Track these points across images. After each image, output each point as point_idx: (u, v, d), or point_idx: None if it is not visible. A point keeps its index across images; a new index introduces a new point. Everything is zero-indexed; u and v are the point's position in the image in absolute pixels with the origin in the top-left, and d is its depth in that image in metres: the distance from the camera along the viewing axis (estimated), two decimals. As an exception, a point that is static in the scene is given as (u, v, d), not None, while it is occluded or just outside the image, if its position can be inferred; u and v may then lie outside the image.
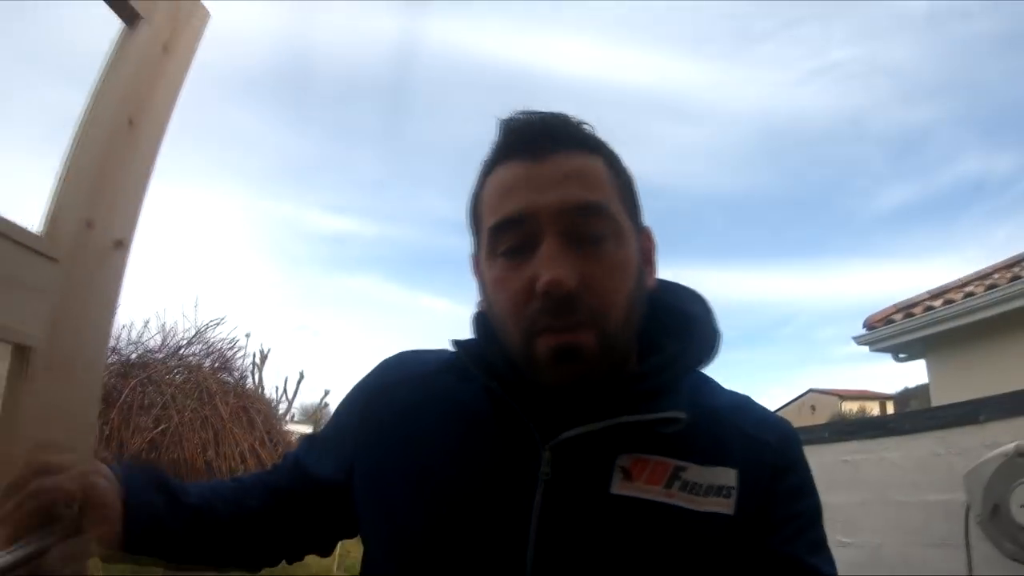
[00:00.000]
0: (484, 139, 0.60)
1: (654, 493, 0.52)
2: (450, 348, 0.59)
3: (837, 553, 0.54)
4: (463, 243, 0.62)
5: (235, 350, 7.21)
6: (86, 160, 0.79)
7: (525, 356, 0.53)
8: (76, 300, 0.79)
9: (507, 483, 0.53)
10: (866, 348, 6.08)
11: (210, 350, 6.97)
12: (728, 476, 0.53)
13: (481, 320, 0.60)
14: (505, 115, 0.58)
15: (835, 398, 22.04)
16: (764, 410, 0.60)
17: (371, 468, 0.59)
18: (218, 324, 7.08)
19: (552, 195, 0.52)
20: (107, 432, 5.04)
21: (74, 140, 0.80)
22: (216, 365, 6.89)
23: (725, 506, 0.52)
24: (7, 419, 0.70)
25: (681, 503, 0.51)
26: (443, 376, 0.61)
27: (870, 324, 5.93)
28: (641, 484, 0.52)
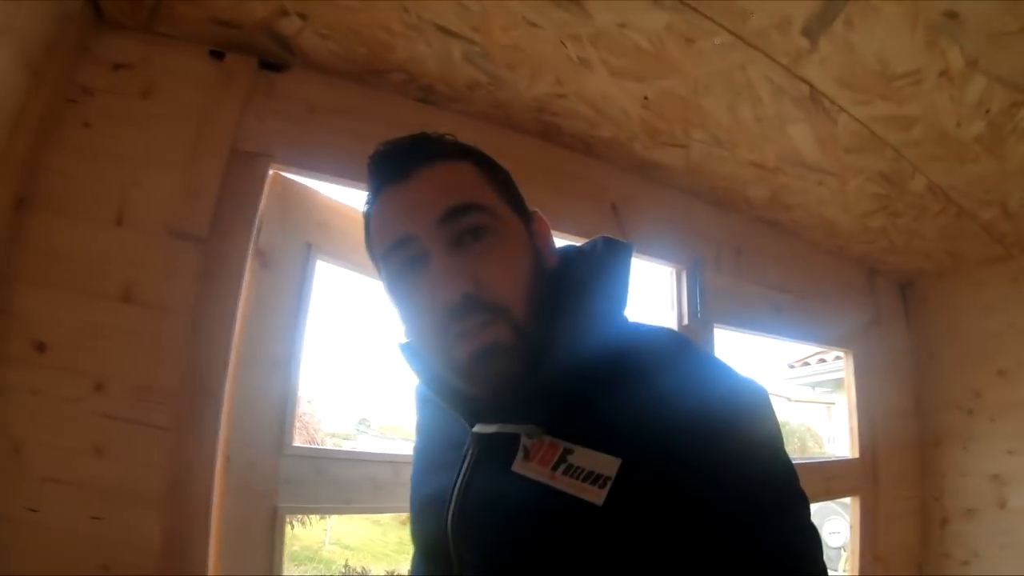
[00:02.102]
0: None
1: (541, 474, 0.50)
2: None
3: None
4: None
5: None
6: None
7: (449, 367, 0.55)
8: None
9: (450, 460, 0.60)
10: (790, 383, 7.21)
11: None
12: (609, 465, 0.46)
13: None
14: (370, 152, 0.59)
15: (784, 400, 22.61)
16: (684, 373, 0.50)
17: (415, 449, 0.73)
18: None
19: (426, 210, 0.54)
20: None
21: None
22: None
23: (595, 496, 0.46)
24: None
25: (561, 487, 0.48)
26: None
27: (791, 365, 7.05)
28: (534, 464, 0.51)
